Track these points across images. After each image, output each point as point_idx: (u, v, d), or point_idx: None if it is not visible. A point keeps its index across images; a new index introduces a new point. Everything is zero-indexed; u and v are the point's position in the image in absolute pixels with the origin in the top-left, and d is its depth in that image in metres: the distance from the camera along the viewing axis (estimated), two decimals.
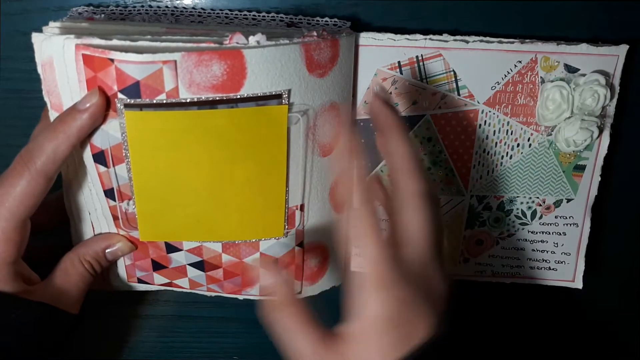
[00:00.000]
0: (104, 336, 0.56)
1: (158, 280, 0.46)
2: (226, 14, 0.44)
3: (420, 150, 0.43)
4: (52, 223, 0.44)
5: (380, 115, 0.39)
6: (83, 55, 0.35)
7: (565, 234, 0.51)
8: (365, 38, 0.44)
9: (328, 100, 0.42)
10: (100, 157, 0.39)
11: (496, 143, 0.48)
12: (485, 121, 0.47)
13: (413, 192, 0.36)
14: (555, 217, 0.50)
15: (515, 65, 0.45)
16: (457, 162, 0.48)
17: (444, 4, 0.46)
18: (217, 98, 0.37)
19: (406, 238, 0.36)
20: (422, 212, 0.36)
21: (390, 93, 0.46)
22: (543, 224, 0.50)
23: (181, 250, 0.44)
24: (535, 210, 0.50)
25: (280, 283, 0.36)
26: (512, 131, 0.47)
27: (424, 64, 0.45)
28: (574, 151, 0.47)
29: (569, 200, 0.49)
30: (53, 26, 0.40)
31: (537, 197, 0.49)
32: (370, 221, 0.35)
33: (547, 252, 0.51)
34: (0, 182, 0.38)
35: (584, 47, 0.45)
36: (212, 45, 0.36)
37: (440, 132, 0.47)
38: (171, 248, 0.44)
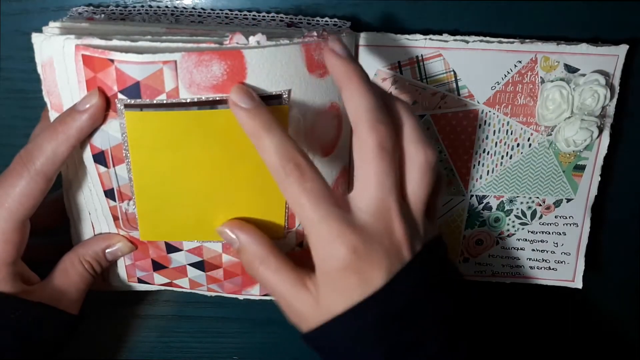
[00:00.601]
0: (104, 336, 0.56)
1: (158, 280, 0.46)
2: (226, 14, 0.44)
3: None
4: (51, 223, 0.44)
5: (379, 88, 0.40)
6: (83, 55, 0.35)
7: (565, 234, 0.51)
8: (365, 38, 0.44)
9: (328, 101, 0.42)
10: (100, 158, 0.39)
11: (496, 143, 0.48)
12: (485, 121, 0.47)
13: (421, 162, 0.37)
14: (555, 217, 0.50)
15: (515, 65, 0.45)
16: (457, 162, 0.48)
17: (444, 4, 0.46)
18: (218, 98, 0.37)
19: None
20: (425, 180, 0.37)
21: (391, 93, 0.46)
22: (543, 224, 0.50)
23: (181, 250, 0.44)
24: (535, 210, 0.50)
25: (249, 241, 0.39)
26: (512, 131, 0.47)
27: (424, 64, 0.45)
28: (573, 151, 0.47)
29: (568, 200, 0.49)
30: (53, 26, 0.39)
31: (537, 197, 0.49)
32: (320, 179, 0.36)
33: (547, 252, 0.51)
34: None
35: (584, 47, 0.45)
36: (213, 45, 0.36)
37: (440, 132, 0.47)
38: (171, 248, 0.44)
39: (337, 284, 0.35)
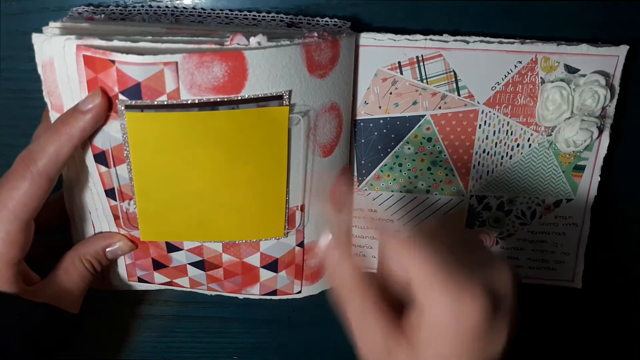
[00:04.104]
0: (104, 336, 0.56)
1: (158, 280, 0.46)
2: (226, 14, 0.44)
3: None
4: (52, 223, 0.44)
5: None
6: (84, 56, 0.35)
7: (564, 234, 0.51)
8: (366, 38, 0.44)
9: (328, 101, 0.42)
10: (101, 158, 0.39)
11: (496, 143, 0.48)
12: (485, 121, 0.47)
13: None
14: (555, 217, 0.50)
15: (516, 66, 0.45)
16: (457, 162, 0.48)
17: (444, 4, 0.46)
18: (218, 99, 0.37)
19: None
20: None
21: (391, 93, 0.46)
22: (543, 224, 0.50)
23: (182, 249, 0.44)
24: (535, 210, 0.50)
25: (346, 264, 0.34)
26: (512, 131, 0.47)
27: (424, 64, 0.45)
28: (573, 151, 0.47)
29: (568, 201, 0.50)
30: (53, 26, 0.39)
31: (537, 197, 0.49)
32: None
33: (546, 252, 0.51)
34: (1, 184, 0.38)
35: (584, 47, 0.45)
36: (213, 46, 0.36)
37: (440, 132, 0.47)
38: (172, 247, 0.44)
39: (445, 349, 0.31)
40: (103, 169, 0.40)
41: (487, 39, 0.45)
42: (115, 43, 0.36)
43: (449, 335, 0.31)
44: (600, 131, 0.46)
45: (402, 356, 0.32)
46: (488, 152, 0.48)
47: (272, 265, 0.45)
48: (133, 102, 0.36)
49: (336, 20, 0.45)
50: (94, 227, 0.44)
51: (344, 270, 0.34)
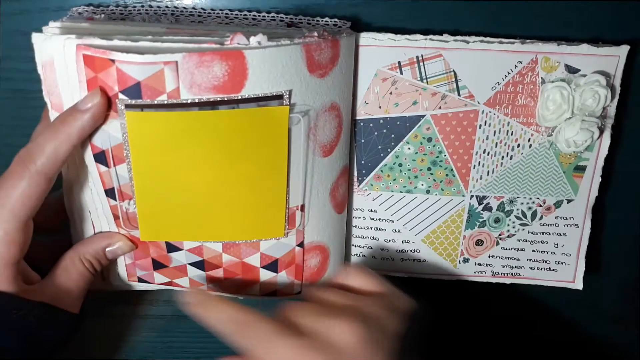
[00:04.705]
0: (104, 336, 0.56)
1: (158, 280, 0.46)
2: (226, 14, 0.44)
3: None
4: (52, 224, 0.44)
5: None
6: (84, 55, 0.35)
7: (565, 235, 0.51)
8: (366, 38, 0.44)
9: (328, 101, 0.42)
10: (101, 157, 0.39)
11: (496, 143, 0.48)
12: (485, 121, 0.47)
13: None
14: (556, 217, 0.50)
15: (516, 66, 0.45)
16: (457, 162, 0.48)
17: (444, 4, 0.46)
18: (218, 99, 0.37)
19: None
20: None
21: (391, 93, 0.46)
22: (543, 225, 0.50)
23: (182, 249, 0.44)
24: (535, 210, 0.50)
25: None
26: (512, 132, 0.47)
27: (424, 64, 0.45)
28: (574, 152, 0.47)
29: (569, 201, 0.49)
30: (53, 26, 0.39)
31: (538, 198, 0.49)
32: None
33: (547, 252, 0.51)
34: (0, 184, 0.38)
35: (584, 47, 0.45)
36: (214, 45, 0.36)
37: (440, 132, 0.47)
38: (172, 247, 0.44)
39: None
40: (103, 168, 0.40)
41: (487, 39, 0.45)
42: (116, 42, 0.36)
43: None
44: (601, 131, 0.46)
45: None
46: (488, 152, 0.48)
47: (272, 266, 0.45)
48: (133, 102, 0.36)
49: (336, 20, 0.45)
50: (93, 226, 0.44)
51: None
